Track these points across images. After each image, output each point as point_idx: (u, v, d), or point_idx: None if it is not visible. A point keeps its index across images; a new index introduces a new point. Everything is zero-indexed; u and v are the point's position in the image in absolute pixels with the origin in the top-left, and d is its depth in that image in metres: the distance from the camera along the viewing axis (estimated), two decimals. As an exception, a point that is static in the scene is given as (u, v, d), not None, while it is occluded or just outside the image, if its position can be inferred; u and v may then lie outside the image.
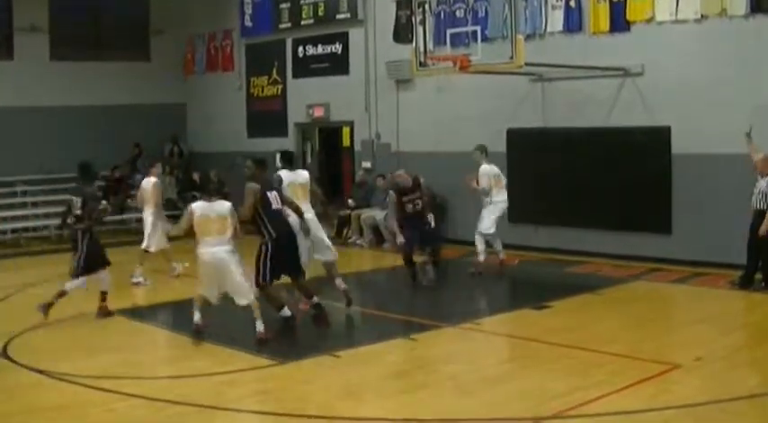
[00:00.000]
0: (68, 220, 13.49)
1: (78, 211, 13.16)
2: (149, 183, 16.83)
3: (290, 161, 13.78)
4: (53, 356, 10.90)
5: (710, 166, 15.61)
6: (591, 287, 14.72)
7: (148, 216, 16.65)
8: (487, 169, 15.94)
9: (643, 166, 16.36)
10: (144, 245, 16.44)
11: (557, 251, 17.66)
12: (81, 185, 13.68)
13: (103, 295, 13.21)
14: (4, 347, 11.37)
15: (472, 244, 16.61)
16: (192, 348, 11.48)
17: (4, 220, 22.69)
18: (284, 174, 13.29)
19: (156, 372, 10.33)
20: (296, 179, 13.34)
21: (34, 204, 23.48)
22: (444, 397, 9.14)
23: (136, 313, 13.55)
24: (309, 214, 13.11)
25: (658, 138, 16.16)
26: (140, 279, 16.08)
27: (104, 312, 13.16)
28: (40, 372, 10.26)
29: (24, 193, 23.58)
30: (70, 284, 12.98)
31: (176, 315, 13.73)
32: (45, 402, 9.17)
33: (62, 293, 12.87)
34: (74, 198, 13.37)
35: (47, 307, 12.62)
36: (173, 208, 24.59)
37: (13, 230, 22.50)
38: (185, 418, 8.65)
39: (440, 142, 19.81)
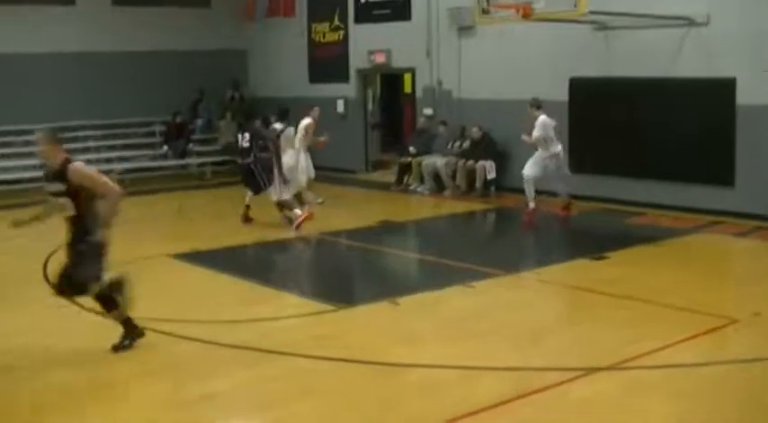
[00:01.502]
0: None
1: (246, 144, 16.61)
2: (303, 123, 17.93)
3: (283, 116, 17.39)
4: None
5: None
6: (650, 239, 14.63)
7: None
8: (540, 121, 15.78)
9: (706, 118, 16.16)
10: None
11: (616, 202, 17.53)
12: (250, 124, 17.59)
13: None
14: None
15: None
16: (252, 293, 11.64)
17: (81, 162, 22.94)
18: (278, 126, 17.07)
19: (217, 315, 10.46)
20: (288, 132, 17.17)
21: (97, 149, 23.74)
22: (500, 345, 9.19)
23: (196, 257, 13.70)
24: (287, 158, 16.91)
25: (722, 89, 15.91)
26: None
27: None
28: (101, 313, 10.44)
29: (87, 139, 23.79)
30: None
31: (237, 259, 13.89)
32: (108, 344, 9.33)
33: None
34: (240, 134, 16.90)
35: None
36: (233, 152, 24.83)
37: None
38: (243, 363, 8.79)
39: (501, 90, 19.69)
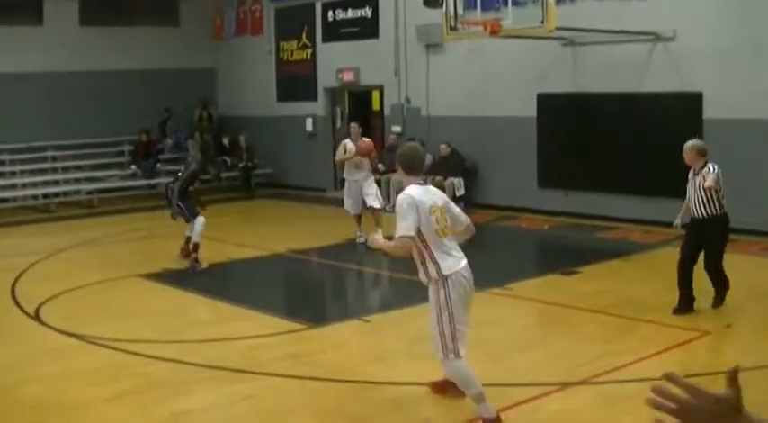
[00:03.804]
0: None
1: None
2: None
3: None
4: (85, 320, 11.02)
5: (742, 132, 15.49)
6: (620, 253, 14.70)
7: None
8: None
9: (674, 132, 16.18)
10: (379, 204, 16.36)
11: (586, 216, 17.60)
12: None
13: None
14: (36, 311, 11.49)
15: (502, 209, 16.57)
16: (224, 312, 11.58)
17: (36, 185, 22.84)
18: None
19: (188, 335, 10.40)
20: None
21: (65, 169, 23.62)
22: (473, 362, 9.11)
23: (166, 277, 13.61)
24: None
25: (690, 103, 16.03)
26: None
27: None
28: (73, 335, 10.37)
29: (55, 159, 23.68)
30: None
31: (207, 279, 13.82)
32: (79, 365, 9.28)
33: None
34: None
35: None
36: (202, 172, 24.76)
37: (45, 195, 22.62)
38: (215, 382, 8.73)
39: (470, 107, 19.75)
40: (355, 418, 7.72)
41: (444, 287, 7.25)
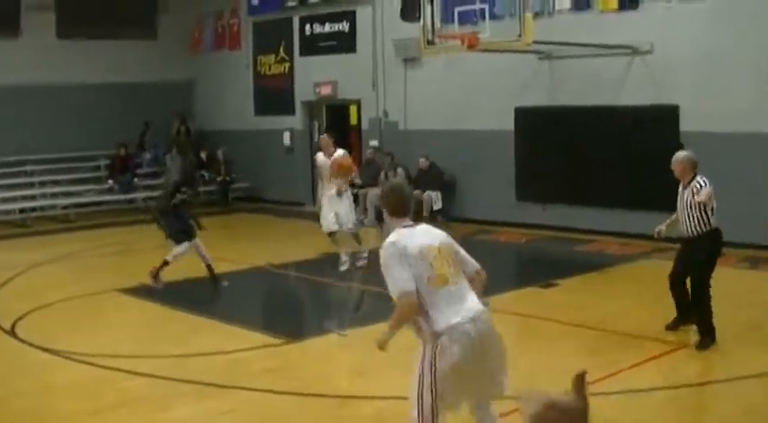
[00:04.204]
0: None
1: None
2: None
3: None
4: (62, 336, 10.97)
5: (719, 145, 15.55)
6: (598, 265, 14.75)
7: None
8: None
9: (651, 145, 16.31)
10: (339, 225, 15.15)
11: (564, 229, 17.65)
12: None
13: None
14: (12, 327, 11.43)
15: (480, 222, 16.56)
16: (202, 326, 11.54)
17: (13, 199, 22.72)
18: None
19: (166, 350, 10.35)
20: None
21: (42, 184, 23.51)
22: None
23: (144, 292, 13.55)
24: None
25: (667, 116, 16.12)
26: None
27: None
28: (51, 351, 10.31)
29: (32, 173, 23.57)
30: None
31: (185, 293, 13.76)
32: (59, 381, 9.26)
33: None
34: None
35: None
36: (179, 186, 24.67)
37: (21, 210, 22.51)
38: (194, 397, 8.70)
39: (448, 120, 19.78)
40: None
41: (434, 346, 5.91)
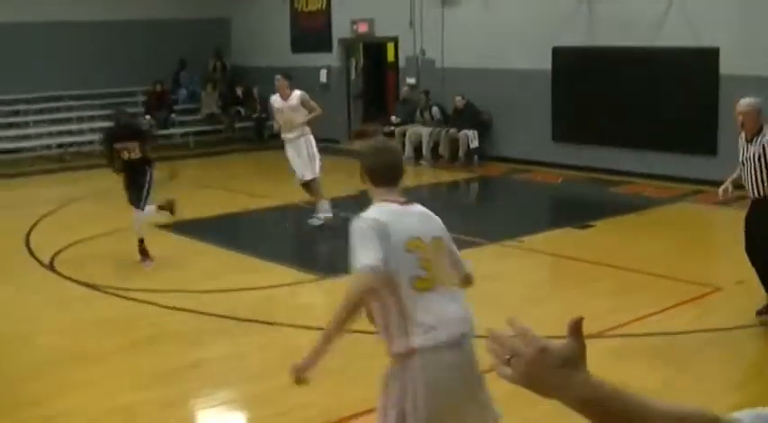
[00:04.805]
0: None
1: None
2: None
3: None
4: (98, 270, 11.08)
5: (760, 88, 15.36)
6: (634, 208, 14.66)
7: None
8: None
9: (690, 87, 16.14)
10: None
11: (600, 171, 17.54)
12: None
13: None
14: (51, 261, 11.56)
15: (516, 162, 16.49)
16: (236, 262, 11.62)
17: (50, 135, 22.86)
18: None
19: (201, 286, 10.44)
20: None
21: (79, 119, 23.59)
22: (486, 314, 9.14)
23: (181, 227, 13.61)
24: None
25: (706, 58, 15.90)
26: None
27: None
28: (88, 285, 10.43)
29: (70, 109, 23.65)
30: None
31: (222, 229, 13.84)
32: (95, 315, 9.37)
33: None
34: None
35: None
36: (216, 122, 24.76)
37: (59, 145, 22.64)
38: (229, 332, 8.78)
39: (485, 59, 19.62)
40: (367, 369, 7.75)
41: (406, 370, 4.50)
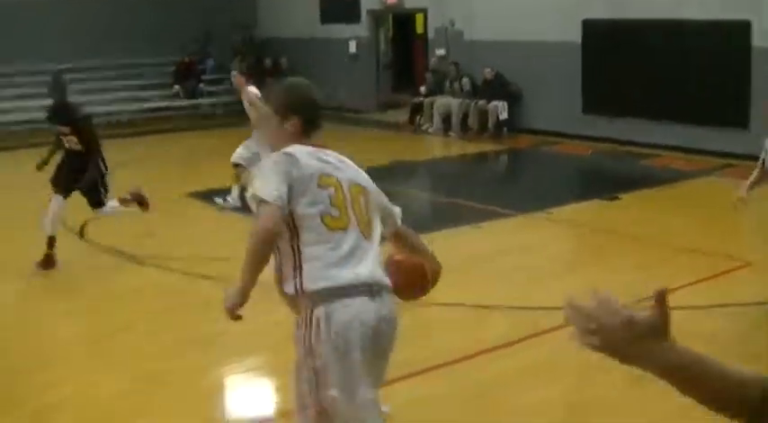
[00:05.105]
0: None
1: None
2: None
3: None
4: (128, 240, 11.12)
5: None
6: (664, 180, 14.61)
7: None
8: None
9: (721, 60, 16.01)
10: None
11: (630, 143, 17.46)
12: None
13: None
14: (81, 229, 11.63)
15: (545, 134, 16.44)
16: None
17: (80, 104, 22.90)
18: None
19: (229, 253, 10.46)
20: None
21: (106, 89, 23.59)
22: (513, 285, 9.21)
23: (210, 196, 13.66)
24: None
25: (738, 31, 15.76)
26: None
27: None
28: (118, 253, 10.51)
29: (99, 79, 23.66)
30: None
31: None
32: (124, 285, 9.44)
33: None
34: None
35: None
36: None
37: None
38: (256, 301, 8.79)
39: (514, 31, 19.53)
40: (401, 338, 7.76)
41: (310, 317, 4.28)
